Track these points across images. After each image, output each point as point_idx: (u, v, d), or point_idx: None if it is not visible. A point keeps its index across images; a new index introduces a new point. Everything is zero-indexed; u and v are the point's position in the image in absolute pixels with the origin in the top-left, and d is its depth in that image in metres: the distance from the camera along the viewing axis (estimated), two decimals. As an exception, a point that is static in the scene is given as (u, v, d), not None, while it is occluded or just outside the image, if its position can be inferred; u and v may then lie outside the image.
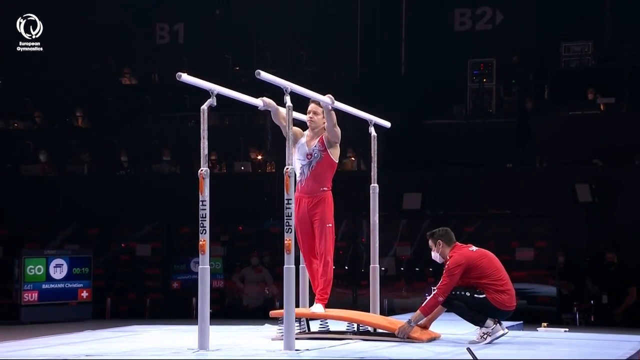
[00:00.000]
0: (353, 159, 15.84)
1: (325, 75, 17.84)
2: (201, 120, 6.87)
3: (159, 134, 17.70)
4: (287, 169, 6.75)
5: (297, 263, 6.95)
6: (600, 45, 17.51)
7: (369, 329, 7.67)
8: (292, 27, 18.64)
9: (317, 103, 7.61)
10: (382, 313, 8.77)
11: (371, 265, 8.41)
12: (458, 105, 17.59)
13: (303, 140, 7.65)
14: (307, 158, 7.59)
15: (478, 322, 7.52)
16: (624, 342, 7.85)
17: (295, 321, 6.93)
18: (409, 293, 14.62)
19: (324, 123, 7.63)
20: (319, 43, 18.84)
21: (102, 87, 19.11)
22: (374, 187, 8.46)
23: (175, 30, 20.26)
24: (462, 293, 7.48)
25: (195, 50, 19.53)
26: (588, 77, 16.59)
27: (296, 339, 6.82)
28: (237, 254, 16.11)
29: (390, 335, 7.49)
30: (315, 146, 7.60)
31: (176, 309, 15.24)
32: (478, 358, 6.21)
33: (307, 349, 6.86)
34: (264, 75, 6.75)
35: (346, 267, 14.96)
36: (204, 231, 6.76)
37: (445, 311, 7.68)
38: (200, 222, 6.76)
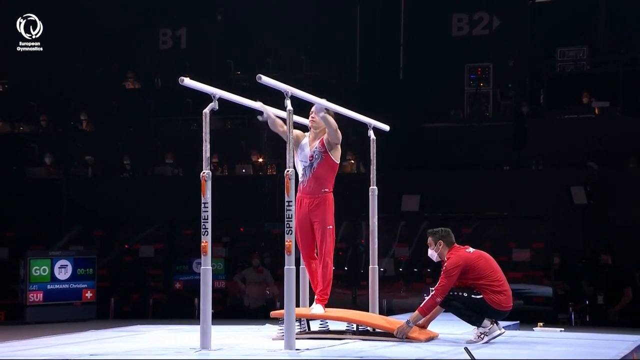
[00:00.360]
0: (352, 161, 15.84)
1: (325, 80, 17.84)
2: (203, 123, 6.87)
3: (162, 137, 17.70)
4: (288, 171, 6.74)
5: (297, 264, 6.94)
6: (595, 50, 17.52)
7: (368, 328, 7.65)
8: (292, 32, 18.64)
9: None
10: (381, 313, 8.77)
11: (370, 266, 8.41)
12: (456, 109, 17.59)
13: (304, 141, 7.63)
14: (309, 159, 7.57)
15: (475, 322, 7.52)
16: (618, 342, 7.84)
17: (296, 321, 6.92)
18: (408, 293, 14.61)
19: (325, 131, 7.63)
20: (319, 48, 18.85)
21: (106, 91, 19.13)
22: (373, 189, 8.45)
23: (178, 36, 20.27)
24: (460, 294, 7.47)
25: (198, 55, 19.54)
26: (583, 82, 16.60)
27: (296, 338, 6.81)
28: (239, 255, 16.11)
29: (389, 335, 7.48)
30: (316, 147, 7.57)
31: (179, 309, 15.23)
32: (475, 357, 6.20)
33: (308, 349, 6.86)
34: (265, 80, 6.75)
35: (346, 268, 14.95)
36: (206, 233, 6.75)
37: (443, 311, 7.67)
38: (202, 223, 6.76)
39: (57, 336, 8.44)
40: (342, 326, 7.72)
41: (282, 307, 6.81)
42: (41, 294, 14.57)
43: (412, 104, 17.14)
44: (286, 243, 6.67)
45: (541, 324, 10.14)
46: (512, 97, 17.70)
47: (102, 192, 16.63)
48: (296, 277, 6.88)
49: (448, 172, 15.63)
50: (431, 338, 7.61)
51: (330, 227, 7.53)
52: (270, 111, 7.55)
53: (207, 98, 6.94)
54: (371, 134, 8.49)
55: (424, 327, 7.68)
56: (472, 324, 7.57)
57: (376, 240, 8.42)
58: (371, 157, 8.51)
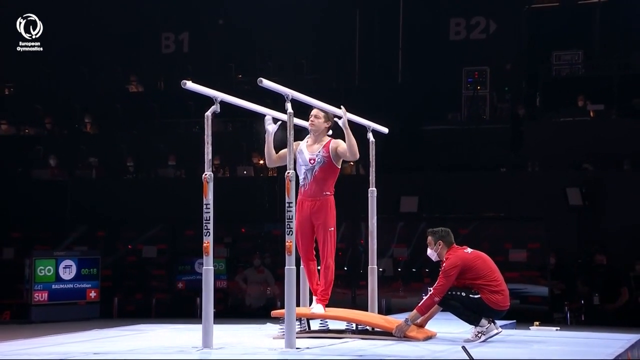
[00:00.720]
0: (352, 163, 15.81)
1: (325, 83, 17.85)
2: (205, 126, 6.86)
3: (165, 140, 17.70)
4: (288, 173, 6.74)
5: (297, 264, 6.93)
6: (590, 54, 17.52)
7: (368, 328, 7.64)
8: (293, 36, 18.64)
9: (320, 108, 7.57)
10: (380, 312, 8.76)
11: (369, 266, 8.40)
12: (453, 112, 17.60)
13: (302, 146, 7.60)
14: (310, 163, 7.54)
15: (473, 321, 7.51)
16: (613, 341, 7.83)
17: (296, 320, 6.91)
18: (406, 293, 14.61)
19: (325, 127, 7.61)
20: (319, 52, 18.84)
21: (110, 94, 19.13)
22: (372, 190, 8.44)
23: (181, 40, 20.27)
24: (458, 293, 7.46)
25: (200, 58, 19.55)
26: (578, 85, 16.61)
27: (297, 337, 6.80)
28: (240, 255, 16.10)
29: (387, 334, 7.47)
30: (319, 152, 7.53)
31: (181, 308, 15.22)
32: (473, 356, 6.19)
33: (308, 348, 6.85)
34: (266, 83, 6.75)
35: (345, 268, 14.94)
36: (208, 233, 6.75)
37: (441, 310, 7.66)
38: (204, 224, 6.75)
39: (62, 335, 8.43)
40: (342, 325, 7.71)
41: (282, 307, 6.80)
42: (46, 294, 14.57)
43: (411, 107, 17.14)
44: (287, 244, 6.66)
45: (537, 323, 10.14)
46: (509, 100, 17.71)
47: (106, 193, 16.63)
48: (296, 277, 6.87)
49: (446, 174, 15.63)
50: (429, 337, 7.60)
51: (332, 229, 7.51)
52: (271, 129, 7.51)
53: (209, 101, 6.93)
54: (370, 136, 8.49)
55: (422, 326, 7.67)
56: (470, 323, 7.56)
57: (375, 240, 8.41)
58: (370, 159, 8.50)
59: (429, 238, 7.69)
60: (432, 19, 18.67)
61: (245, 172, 16.53)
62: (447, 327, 8.13)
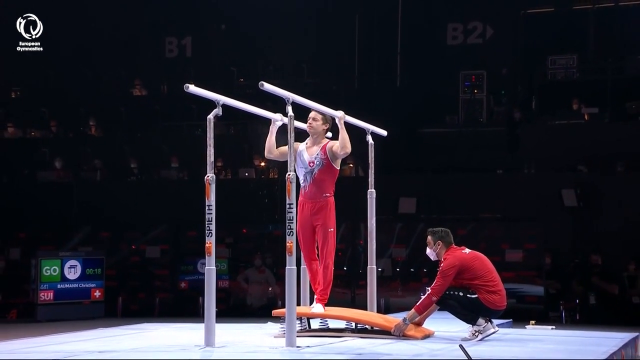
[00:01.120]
0: (351, 165, 15.82)
1: (325, 87, 17.85)
2: (207, 129, 6.86)
3: (168, 142, 17.69)
4: (289, 175, 6.74)
5: (298, 264, 6.93)
6: (584, 58, 17.52)
7: (367, 327, 7.64)
8: (294, 41, 18.64)
9: (318, 111, 7.57)
10: (378, 312, 8.75)
11: (368, 266, 8.39)
12: (451, 115, 17.60)
13: (302, 148, 7.58)
14: (310, 165, 7.53)
15: (470, 320, 7.51)
16: (607, 340, 7.83)
17: (297, 320, 6.91)
18: (405, 293, 14.60)
19: (323, 129, 7.61)
20: (320, 56, 18.84)
21: (114, 97, 19.12)
22: (371, 192, 8.44)
23: (183, 44, 20.28)
24: (456, 293, 7.46)
25: (202, 62, 19.54)
26: (573, 89, 16.61)
27: (297, 336, 6.79)
28: (242, 255, 16.08)
29: (386, 333, 7.46)
30: (317, 154, 7.53)
31: (184, 307, 15.21)
32: (470, 355, 6.18)
33: (308, 346, 6.84)
34: (267, 87, 6.74)
35: (345, 268, 14.93)
36: (210, 234, 6.74)
37: (439, 310, 7.65)
38: (206, 225, 6.74)
39: (67, 334, 8.44)
40: (342, 324, 7.71)
41: (283, 306, 6.80)
42: (51, 293, 14.55)
43: (409, 110, 17.14)
44: (287, 244, 6.65)
45: (533, 322, 10.14)
46: (505, 104, 17.72)
47: (110, 195, 16.62)
48: (297, 277, 6.87)
49: (443, 176, 15.62)
50: (427, 336, 7.60)
51: (332, 229, 7.51)
52: (273, 139, 7.57)
53: (211, 104, 6.93)
54: (369, 138, 8.49)
55: (420, 325, 7.66)
56: (467, 322, 7.56)
57: (374, 241, 8.41)
58: (369, 161, 8.50)
59: (429, 237, 7.69)
60: (430, 24, 18.67)
61: (246, 174, 16.52)
62: (445, 326, 8.13)
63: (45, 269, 14.54)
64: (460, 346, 6.44)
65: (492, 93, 17.72)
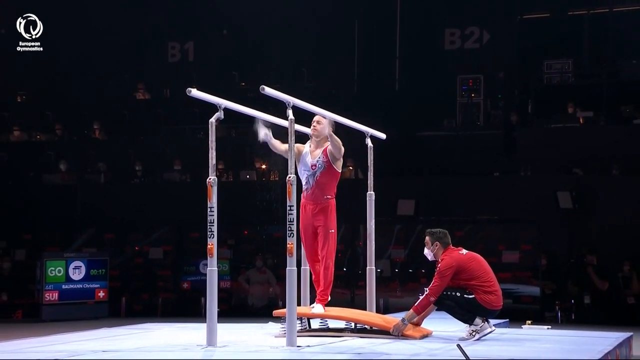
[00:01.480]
0: (351, 168, 15.82)
1: (325, 90, 17.84)
2: (210, 132, 6.86)
3: (171, 145, 17.68)
4: (290, 177, 6.74)
5: (298, 265, 6.93)
6: (580, 63, 17.53)
7: (366, 326, 7.64)
8: (294, 46, 18.64)
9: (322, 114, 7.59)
10: (377, 312, 8.76)
11: (368, 267, 8.40)
12: (448, 118, 17.60)
13: (305, 151, 7.62)
14: (312, 168, 7.56)
15: (467, 320, 7.50)
16: (602, 339, 7.83)
17: (297, 320, 6.91)
18: (403, 293, 14.58)
19: (327, 133, 7.63)
20: (319, 60, 18.84)
21: (118, 101, 19.13)
22: (370, 194, 8.44)
23: (186, 49, 20.28)
24: (453, 293, 7.46)
25: (204, 67, 19.54)
26: (568, 93, 16.61)
27: (298, 336, 6.79)
28: (243, 256, 16.07)
29: (385, 332, 7.46)
30: (319, 157, 7.55)
31: (186, 308, 15.20)
32: (467, 354, 6.18)
33: (308, 346, 6.84)
34: (268, 91, 6.75)
35: (344, 269, 14.92)
36: (212, 235, 6.74)
37: (436, 310, 7.65)
38: (208, 227, 6.74)
39: (72, 333, 8.43)
40: (341, 324, 7.71)
41: (284, 306, 6.80)
42: (56, 294, 14.55)
43: (407, 114, 17.14)
44: (288, 245, 6.66)
45: (529, 322, 10.13)
46: (502, 107, 17.71)
47: (114, 197, 16.62)
48: (297, 278, 6.87)
49: (441, 178, 15.62)
50: (425, 335, 7.60)
51: (332, 231, 7.54)
52: (268, 139, 7.54)
53: (213, 108, 6.94)
54: (368, 141, 8.49)
55: (418, 325, 7.66)
56: (465, 322, 7.56)
57: (373, 242, 8.41)
58: (369, 164, 8.50)
59: (427, 238, 7.69)
60: (428, 29, 18.67)
61: (248, 177, 16.51)
62: (443, 326, 8.12)
63: (50, 270, 14.54)
64: (458, 346, 6.44)
65: (489, 97, 17.71)
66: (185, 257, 16.04)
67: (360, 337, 7.47)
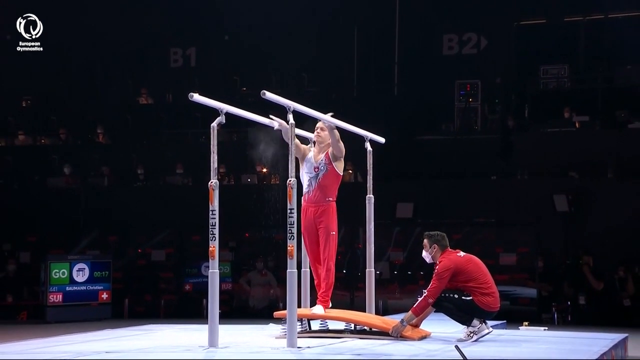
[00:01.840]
0: (350, 171, 15.82)
1: (325, 95, 17.84)
2: (211, 136, 6.86)
3: (173, 149, 17.68)
4: (290, 181, 6.73)
5: (299, 267, 6.92)
6: (576, 68, 17.53)
7: (365, 328, 7.63)
8: (295, 51, 18.65)
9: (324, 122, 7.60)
10: (377, 313, 8.74)
11: (367, 269, 8.39)
12: (446, 123, 17.59)
13: (310, 155, 7.68)
14: (314, 171, 7.60)
15: (465, 321, 7.50)
16: (598, 340, 7.83)
17: (297, 321, 6.90)
18: (402, 295, 14.57)
19: (330, 139, 7.64)
20: (320, 66, 18.85)
21: (121, 106, 19.12)
22: (370, 197, 8.44)
23: (188, 55, 20.29)
24: (451, 295, 7.45)
25: (206, 72, 19.55)
26: (564, 98, 16.60)
27: (298, 337, 6.79)
28: (244, 259, 16.07)
29: (384, 334, 7.46)
30: (321, 160, 7.59)
31: (188, 309, 15.18)
32: (465, 355, 6.17)
33: (309, 347, 6.84)
34: (269, 95, 6.75)
35: (344, 271, 14.91)
36: (214, 238, 6.74)
37: (435, 311, 7.64)
38: (210, 229, 6.74)
39: (76, 335, 8.43)
40: (341, 326, 7.70)
41: (284, 308, 6.79)
42: (60, 295, 14.54)
43: (406, 118, 17.14)
44: (288, 248, 6.65)
45: (526, 323, 10.12)
46: (499, 112, 17.70)
47: (117, 200, 16.61)
48: (298, 280, 6.86)
49: (440, 181, 15.61)
50: (424, 337, 7.59)
51: (333, 233, 7.56)
52: (285, 124, 7.48)
53: (215, 112, 6.94)
54: (368, 145, 8.49)
55: (416, 326, 7.66)
56: (462, 323, 7.55)
57: (372, 245, 8.41)
58: (368, 168, 8.50)
59: (425, 241, 7.69)
60: (426, 35, 18.67)
61: (249, 180, 16.50)
62: (441, 327, 8.12)
63: (54, 272, 14.52)
64: (456, 347, 6.44)
65: (486, 102, 17.71)
66: (187, 260, 16.03)
67: (360, 338, 7.47)
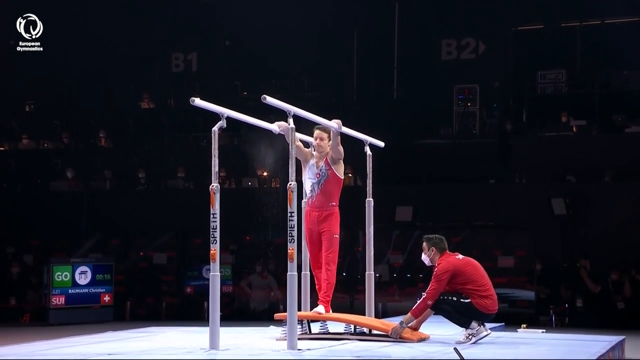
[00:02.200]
0: (350, 175, 15.82)
1: (325, 100, 17.84)
2: (212, 140, 6.86)
3: (174, 153, 17.69)
4: (290, 184, 6.73)
5: (299, 270, 6.92)
6: (573, 73, 17.54)
7: (365, 330, 7.62)
8: (295, 56, 18.66)
9: (322, 129, 7.61)
10: (376, 316, 8.73)
11: (366, 272, 8.38)
12: (445, 127, 17.60)
13: (312, 161, 7.72)
14: (317, 177, 7.65)
15: (464, 324, 7.49)
16: (595, 342, 7.82)
17: (298, 323, 6.89)
18: (401, 297, 14.57)
19: (330, 148, 7.66)
20: (320, 70, 18.86)
21: (123, 110, 19.14)
22: (369, 201, 8.43)
23: (189, 60, 20.29)
24: (449, 298, 7.45)
25: (207, 77, 19.55)
26: (562, 102, 16.63)
27: (298, 339, 6.78)
28: (245, 261, 16.06)
29: (384, 336, 7.45)
30: (322, 166, 7.64)
31: (189, 312, 15.17)
32: (464, 357, 6.17)
33: (309, 349, 6.83)
34: (270, 100, 6.74)
35: (344, 274, 14.90)
36: (215, 241, 6.73)
37: (434, 314, 7.64)
38: (211, 233, 6.74)
39: (78, 337, 8.42)
40: (341, 328, 7.69)
41: (285, 310, 6.78)
42: (63, 298, 14.53)
43: (405, 122, 17.14)
44: (289, 251, 6.65)
45: (524, 325, 10.11)
46: (497, 116, 17.71)
47: (119, 203, 16.61)
48: (298, 283, 6.86)
49: (438, 185, 15.61)
50: (423, 339, 7.58)
51: (337, 235, 7.60)
52: (286, 125, 7.47)
53: (216, 117, 6.93)
54: (367, 149, 8.49)
55: (416, 328, 7.65)
56: (461, 325, 7.55)
57: (372, 248, 8.40)
58: (367, 171, 8.50)
59: (424, 244, 7.69)
60: (425, 40, 18.68)
61: (249, 184, 16.51)
62: (440, 329, 8.11)
63: (57, 275, 14.52)
64: (455, 349, 6.44)
65: (484, 106, 17.72)
66: (188, 262, 16.03)
67: (360, 340, 7.46)
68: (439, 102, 17.59)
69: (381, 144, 8.81)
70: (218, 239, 6.74)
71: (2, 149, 18.80)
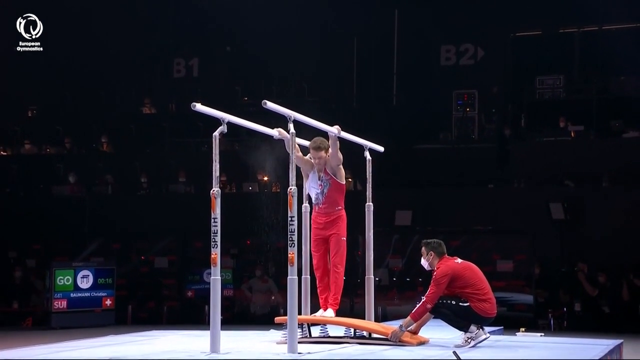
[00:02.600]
0: (350, 180, 15.81)
1: (325, 105, 17.83)
2: (213, 145, 6.86)
3: (176, 158, 17.69)
4: (291, 189, 6.73)
5: (299, 274, 6.91)
6: (571, 79, 17.55)
7: (365, 333, 7.62)
8: (295, 62, 18.67)
9: (315, 148, 7.62)
10: (376, 319, 8.73)
11: (366, 276, 8.39)
12: (444, 132, 17.60)
13: (314, 171, 7.79)
14: (320, 187, 7.75)
15: (463, 327, 7.48)
16: (593, 346, 7.82)
17: (298, 327, 6.89)
18: (401, 301, 14.56)
19: (328, 158, 7.69)
20: (320, 76, 18.87)
21: (125, 115, 19.14)
22: (369, 205, 8.44)
23: (191, 65, 20.31)
24: (448, 301, 7.44)
25: (208, 82, 19.56)
26: (560, 108, 16.62)
27: (299, 343, 6.77)
28: (246, 265, 16.05)
29: (383, 339, 7.44)
30: (322, 176, 7.73)
31: (190, 315, 15.16)
32: (463, 360, 6.17)
33: (309, 352, 6.81)
34: (270, 105, 6.75)
35: (344, 278, 14.86)
36: (216, 245, 6.73)
37: (433, 318, 7.63)
38: (212, 237, 6.73)
39: (80, 341, 8.41)
40: (341, 331, 7.68)
41: (285, 314, 6.78)
42: (65, 302, 14.53)
43: (405, 127, 17.14)
44: (289, 255, 6.65)
45: (523, 329, 10.11)
46: (496, 121, 17.72)
47: (121, 208, 16.61)
48: (298, 286, 6.85)
49: (438, 190, 15.61)
50: (422, 342, 7.57)
51: (344, 238, 7.68)
52: (286, 133, 7.49)
53: (217, 122, 6.94)
54: (367, 154, 8.49)
55: (415, 332, 7.64)
56: (460, 329, 7.54)
57: (372, 252, 8.41)
58: (367, 176, 8.50)
59: (423, 248, 7.69)
60: (424, 46, 18.70)
61: (250, 188, 16.50)
62: (439, 333, 8.10)
63: (59, 279, 14.52)
64: (454, 352, 6.43)
65: (483, 111, 17.72)
66: (189, 266, 16.02)
67: (360, 343, 7.45)
68: (438, 108, 17.60)
69: (381, 148, 8.81)
70: (219, 243, 6.74)
71: (5, 153, 18.80)
